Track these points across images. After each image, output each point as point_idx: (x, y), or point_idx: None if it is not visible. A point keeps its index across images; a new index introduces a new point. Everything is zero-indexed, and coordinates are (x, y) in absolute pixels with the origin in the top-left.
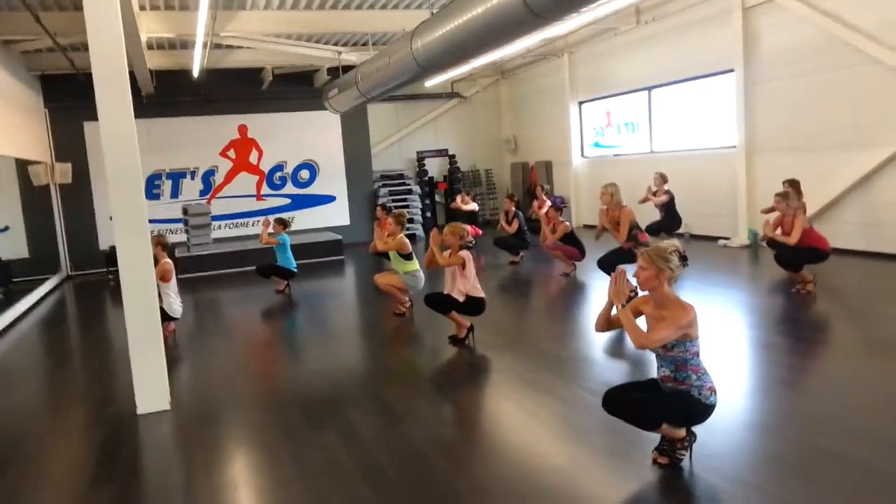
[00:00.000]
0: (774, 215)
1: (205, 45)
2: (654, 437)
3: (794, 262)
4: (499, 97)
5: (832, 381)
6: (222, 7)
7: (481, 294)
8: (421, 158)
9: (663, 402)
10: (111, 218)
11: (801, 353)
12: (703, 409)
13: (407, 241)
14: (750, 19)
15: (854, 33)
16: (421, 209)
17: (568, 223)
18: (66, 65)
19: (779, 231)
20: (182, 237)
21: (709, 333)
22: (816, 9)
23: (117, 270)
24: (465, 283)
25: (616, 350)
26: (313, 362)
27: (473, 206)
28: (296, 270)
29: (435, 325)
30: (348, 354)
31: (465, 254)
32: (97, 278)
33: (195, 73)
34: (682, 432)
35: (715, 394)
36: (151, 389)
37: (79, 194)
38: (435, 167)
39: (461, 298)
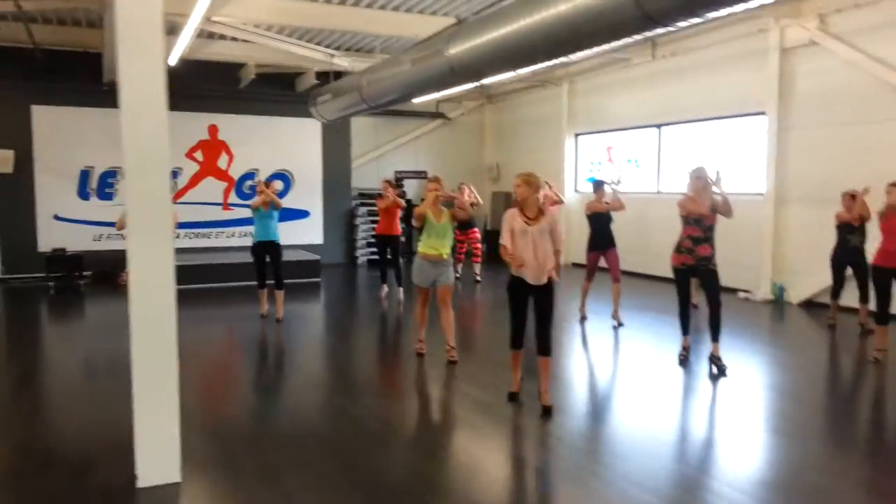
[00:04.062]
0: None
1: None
2: None
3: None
4: (483, 122)
5: None
6: None
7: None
8: (399, 179)
9: None
10: (56, 217)
11: None
12: None
13: None
14: (787, 61)
15: None
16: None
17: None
18: (18, 37)
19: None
20: None
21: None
22: (867, 54)
23: (60, 277)
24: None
25: None
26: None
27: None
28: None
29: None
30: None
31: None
32: (33, 284)
33: (172, 62)
34: None
35: None
36: (158, 454)
37: (19, 187)
38: (412, 189)
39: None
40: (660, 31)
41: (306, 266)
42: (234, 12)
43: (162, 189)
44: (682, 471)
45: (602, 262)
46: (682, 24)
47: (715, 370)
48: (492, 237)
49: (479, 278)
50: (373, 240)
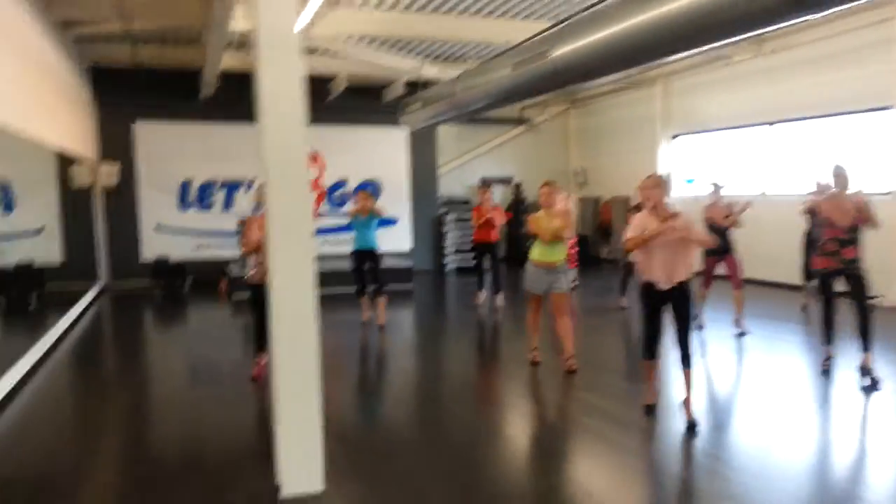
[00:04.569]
0: None
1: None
2: None
3: None
4: (567, 126)
5: None
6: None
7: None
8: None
9: None
10: (158, 226)
11: None
12: None
13: None
14: None
15: None
16: None
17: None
18: (123, 57)
19: None
20: (234, 253)
21: None
22: None
23: (166, 284)
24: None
25: None
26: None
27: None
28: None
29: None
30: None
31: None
32: (139, 291)
33: None
34: None
35: None
36: (301, 462)
37: (123, 199)
38: (496, 196)
39: (685, 277)
40: (806, 18)
41: (398, 273)
42: (330, 25)
43: (303, 200)
44: (842, 489)
45: (718, 270)
46: (835, 8)
47: (867, 382)
48: (580, 242)
49: (575, 283)
50: (463, 247)
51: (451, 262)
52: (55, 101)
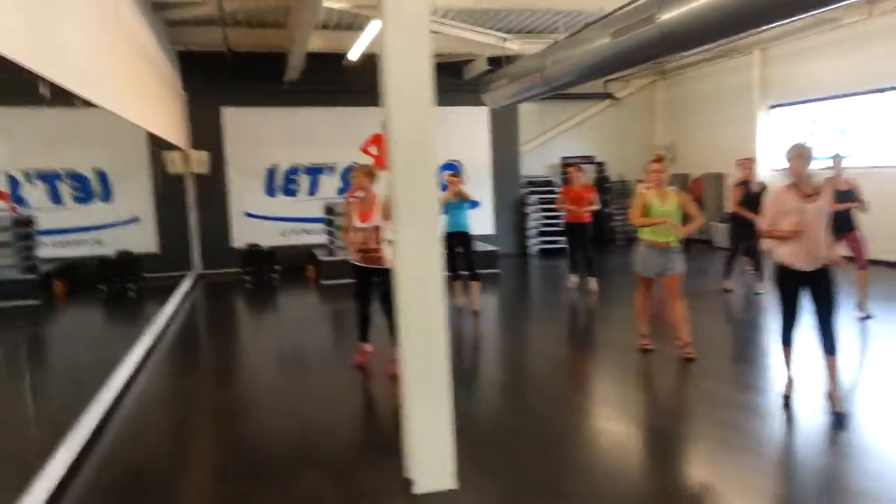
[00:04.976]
0: None
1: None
2: None
3: None
4: (653, 100)
5: None
6: None
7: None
8: (566, 165)
9: None
10: (247, 213)
11: None
12: None
13: None
14: None
15: None
16: None
17: None
18: (212, 41)
19: None
20: (320, 238)
21: None
22: None
23: (254, 271)
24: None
25: None
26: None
27: None
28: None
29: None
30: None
31: None
32: (230, 278)
33: (354, 58)
34: None
35: None
36: (433, 458)
37: (214, 186)
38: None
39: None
40: None
41: (483, 257)
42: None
43: (429, 183)
44: None
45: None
46: None
47: None
48: None
49: None
50: (546, 229)
51: (535, 244)
52: (152, 85)
